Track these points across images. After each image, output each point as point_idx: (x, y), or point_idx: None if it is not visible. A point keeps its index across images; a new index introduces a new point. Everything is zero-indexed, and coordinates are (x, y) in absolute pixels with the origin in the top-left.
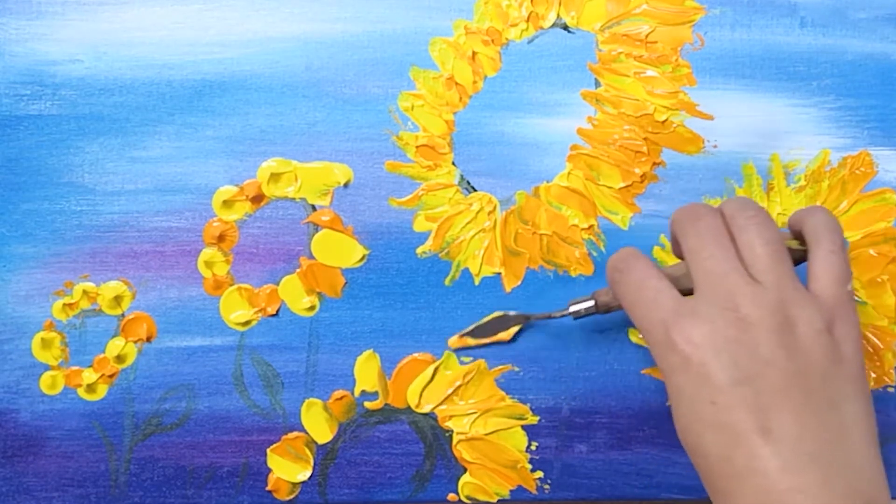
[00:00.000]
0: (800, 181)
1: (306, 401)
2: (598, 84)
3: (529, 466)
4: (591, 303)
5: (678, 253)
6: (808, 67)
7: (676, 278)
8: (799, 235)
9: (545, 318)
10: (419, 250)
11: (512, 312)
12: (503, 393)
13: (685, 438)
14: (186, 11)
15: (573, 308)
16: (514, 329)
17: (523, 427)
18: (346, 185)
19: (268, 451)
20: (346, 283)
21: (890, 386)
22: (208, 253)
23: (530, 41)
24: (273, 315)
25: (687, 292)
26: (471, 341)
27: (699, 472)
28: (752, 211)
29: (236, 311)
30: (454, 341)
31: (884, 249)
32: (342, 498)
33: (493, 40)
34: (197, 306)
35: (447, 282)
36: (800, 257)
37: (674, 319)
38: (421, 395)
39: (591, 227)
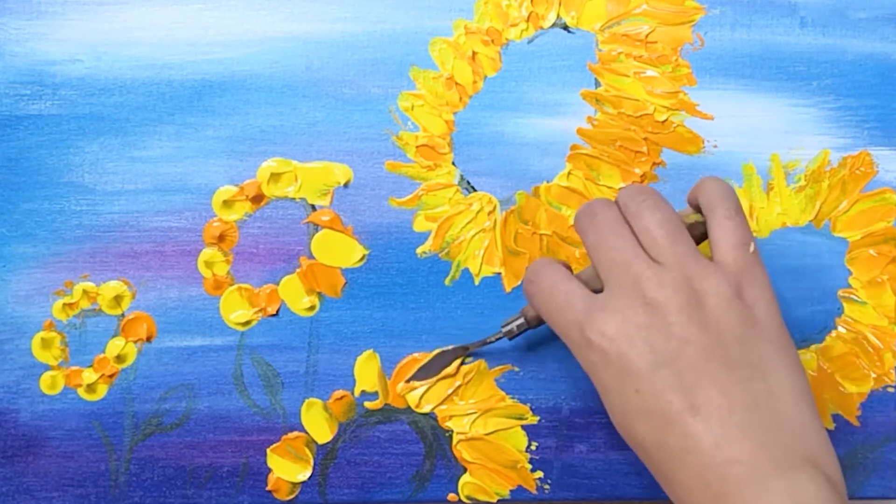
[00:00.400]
0: (800, 181)
1: (306, 401)
2: (598, 84)
3: (529, 466)
4: (521, 319)
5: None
6: (808, 67)
7: (587, 280)
8: (699, 209)
9: (482, 345)
10: (419, 250)
11: (450, 347)
12: (503, 393)
13: (622, 432)
14: (186, 11)
15: (505, 329)
16: (457, 362)
17: (523, 427)
18: (346, 185)
19: (268, 451)
20: (346, 283)
21: (890, 386)
22: (208, 253)
23: (530, 41)
24: (273, 315)
25: (601, 291)
26: (417, 384)
27: (644, 462)
28: (643, 195)
29: (236, 311)
30: (403, 388)
31: (884, 249)
32: (342, 498)
33: (493, 40)
34: (197, 306)
35: (447, 282)
36: (704, 231)
37: (586, 318)
38: (421, 396)
39: None
